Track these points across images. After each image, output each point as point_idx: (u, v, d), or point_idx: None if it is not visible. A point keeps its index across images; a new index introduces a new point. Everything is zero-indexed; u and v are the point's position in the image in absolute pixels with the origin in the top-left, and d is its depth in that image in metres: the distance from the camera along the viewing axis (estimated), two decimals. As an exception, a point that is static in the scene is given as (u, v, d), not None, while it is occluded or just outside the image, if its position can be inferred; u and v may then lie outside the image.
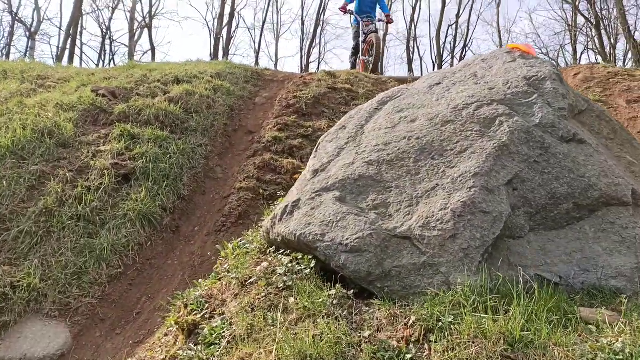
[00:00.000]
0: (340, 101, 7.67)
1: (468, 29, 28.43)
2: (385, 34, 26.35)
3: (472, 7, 28.46)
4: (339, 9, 9.70)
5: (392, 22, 10.89)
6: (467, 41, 28.79)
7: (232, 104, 7.54)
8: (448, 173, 2.94)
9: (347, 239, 2.76)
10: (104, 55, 28.93)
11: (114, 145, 5.64)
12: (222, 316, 2.84)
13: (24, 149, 5.34)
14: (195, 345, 2.69)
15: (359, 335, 2.39)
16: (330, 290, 2.70)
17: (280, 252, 3.19)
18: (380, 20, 10.15)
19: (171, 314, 3.29)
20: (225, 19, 27.96)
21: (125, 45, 27.92)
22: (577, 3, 23.34)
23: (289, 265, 2.94)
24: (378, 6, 9.98)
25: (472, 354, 2.15)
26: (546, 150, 3.02)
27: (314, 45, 29.67)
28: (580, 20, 24.12)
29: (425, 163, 3.05)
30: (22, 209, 4.58)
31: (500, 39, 28.95)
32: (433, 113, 3.33)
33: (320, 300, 2.62)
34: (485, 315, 2.30)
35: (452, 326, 2.30)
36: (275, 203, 5.19)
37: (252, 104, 7.92)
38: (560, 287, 2.72)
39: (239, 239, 3.99)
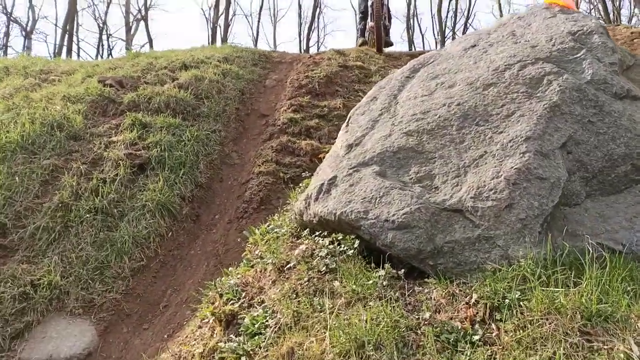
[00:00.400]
0: (353, 79, 7.42)
1: (470, 3, 27.82)
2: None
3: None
4: None
5: None
6: (469, 15, 28.20)
7: (242, 87, 7.30)
8: (496, 139, 2.72)
9: (393, 215, 2.55)
10: (102, 50, 28.60)
11: (126, 135, 5.44)
12: (262, 304, 2.65)
13: (34, 143, 5.15)
14: (236, 337, 2.50)
15: (417, 317, 2.19)
16: (378, 271, 2.50)
17: (317, 233, 2.99)
18: None
19: (204, 305, 3.12)
20: (221, 8, 27.57)
21: (122, 39, 27.56)
22: None
23: (330, 246, 2.74)
24: None
25: (546, 332, 1.95)
26: (600, 108, 2.78)
27: (312, 29, 29.24)
28: None
29: (470, 130, 2.83)
30: (37, 205, 4.40)
31: (501, 11, 28.31)
32: (472, 77, 3.10)
33: (370, 282, 2.42)
34: (557, 289, 2.09)
35: (520, 303, 2.10)
36: (298, 185, 5.01)
37: (262, 87, 7.67)
38: (625, 255, 2.50)
39: (267, 224, 3.80)
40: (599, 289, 2.07)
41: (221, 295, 2.89)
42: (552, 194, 2.50)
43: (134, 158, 5.09)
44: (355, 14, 26.86)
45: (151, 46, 28.14)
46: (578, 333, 1.92)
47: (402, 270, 2.46)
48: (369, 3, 8.29)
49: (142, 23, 27.79)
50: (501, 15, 28.22)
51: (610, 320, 1.96)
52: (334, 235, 2.82)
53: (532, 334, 1.95)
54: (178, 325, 3.51)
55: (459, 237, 2.46)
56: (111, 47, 29.96)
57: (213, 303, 2.91)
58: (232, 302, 2.79)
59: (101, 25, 28.55)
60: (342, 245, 2.71)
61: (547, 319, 1.99)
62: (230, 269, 3.43)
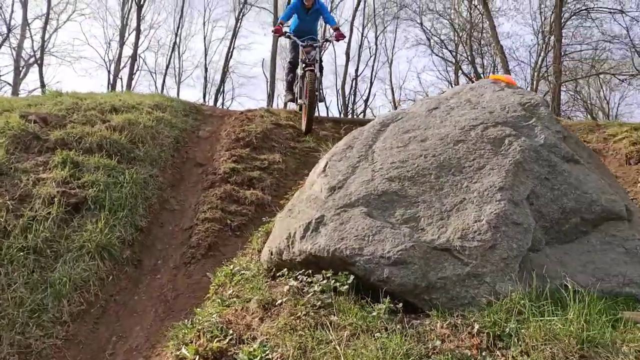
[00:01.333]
0: (287, 136, 7.63)
1: (371, 83, 30.07)
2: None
3: (373, 65, 30.17)
4: (273, 31, 8.04)
5: (344, 37, 7.59)
6: (369, 96, 30.30)
7: (177, 135, 7.17)
8: (472, 187, 3.01)
9: (388, 252, 2.67)
10: (-14, 92, 26.25)
11: (57, 172, 5.05)
12: (255, 340, 2.56)
13: (-52, 173, 4.59)
14: (231, 374, 2.39)
15: (426, 346, 2.28)
16: (375, 305, 2.57)
17: (301, 272, 2.99)
18: (327, 40, 8.01)
19: (172, 347, 2.92)
20: (124, 61, 27.05)
21: (8, 83, 25.49)
22: (459, 65, 25.76)
23: (323, 282, 2.76)
24: (321, 19, 8.05)
25: (549, 356, 2.14)
26: (553, 168, 3.22)
27: (220, 91, 29.45)
28: (462, 80, 26.65)
29: (447, 179, 3.10)
30: (-44, 240, 3.87)
31: (393, 94, 30.89)
32: (442, 133, 3.43)
33: (373, 314, 2.48)
34: (550, 319, 2.32)
35: (519, 331, 2.29)
36: (245, 234, 4.97)
37: (195, 137, 7.60)
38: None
39: (231, 266, 3.71)
40: (582, 319, 2.33)
41: (202, 334, 2.74)
42: (526, 237, 2.81)
43: (68, 197, 4.72)
44: (267, 82, 27.77)
45: (43, 92, 26.43)
46: (576, 356, 2.13)
47: (400, 305, 2.56)
48: (300, 53, 7.20)
49: (33, 68, 26.05)
50: (393, 98, 30.80)
51: (600, 346, 2.20)
52: (323, 272, 2.85)
53: (536, 359, 2.13)
54: (132, 374, 3.21)
55: (450, 274, 2.63)
56: (-2, 91, 27.56)
57: (192, 342, 2.74)
58: (218, 339, 2.65)
59: (-12, 65, 26.36)
60: (337, 282, 2.75)
61: (547, 345, 2.19)
62: (198, 309, 3.26)
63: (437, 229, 2.82)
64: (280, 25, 7.76)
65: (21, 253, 3.91)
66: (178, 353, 2.81)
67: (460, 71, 26.07)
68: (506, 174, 3.05)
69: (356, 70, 29.13)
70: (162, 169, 6.13)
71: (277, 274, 3.21)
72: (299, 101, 7.64)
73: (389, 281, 2.62)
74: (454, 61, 25.65)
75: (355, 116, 26.70)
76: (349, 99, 29.94)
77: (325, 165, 3.54)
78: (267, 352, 2.41)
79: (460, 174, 3.13)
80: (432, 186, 3.08)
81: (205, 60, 31.10)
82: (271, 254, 3.29)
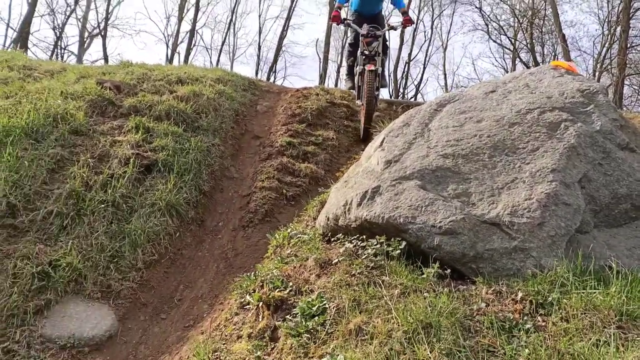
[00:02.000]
0: (341, 115, 7.83)
1: (424, 68, 29.67)
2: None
3: (427, 50, 29.72)
4: (331, 18, 6.69)
5: (412, 23, 6.56)
6: (421, 81, 29.94)
7: (236, 108, 7.52)
8: (525, 168, 3.14)
9: (440, 222, 2.87)
10: (56, 60, 27.71)
11: (131, 136, 5.49)
12: (312, 292, 2.84)
13: (38, 132, 5.09)
14: (293, 317, 2.67)
15: (470, 308, 2.48)
16: (424, 269, 2.78)
17: (356, 237, 3.24)
18: (392, 28, 6.58)
19: (236, 295, 3.25)
20: (181, 36, 27.78)
21: (73, 53, 26.81)
22: (517, 52, 25.00)
23: (377, 246, 3.00)
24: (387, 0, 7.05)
25: (587, 324, 2.30)
26: (607, 154, 3.29)
27: (273, 70, 29.80)
28: (520, 68, 25.88)
29: (500, 159, 3.24)
30: (46, 191, 4.35)
31: (446, 80, 30.34)
32: (498, 115, 3.55)
33: (423, 276, 2.70)
34: (594, 291, 2.47)
35: (560, 301, 2.45)
36: (297, 204, 5.26)
37: (254, 111, 7.93)
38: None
39: (288, 230, 4.00)
40: (624, 294, 2.46)
41: (264, 284, 3.05)
42: (574, 218, 2.93)
43: (141, 158, 5.14)
44: (319, 62, 27.88)
45: (106, 63, 27.65)
46: (614, 326, 2.28)
47: (448, 271, 2.76)
48: (360, 44, 6.28)
49: (97, 39, 27.27)
50: (446, 84, 30.28)
51: (638, 319, 2.34)
52: (377, 237, 3.08)
53: (575, 326, 2.29)
54: (197, 317, 3.58)
55: (497, 246, 2.80)
56: (64, 60, 29.04)
57: (255, 291, 3.05)
58: (279, 289, 2.95)
59: (58, 34, 27.77)
60: (388, 246, 2.98)
61: (586, 314, 2.35)
62: (259, 265, 3.58)
63: (488, 205, 2.98)
64: (338, 10, 6.67)
65: (102, 205, 4.34)
66: (242, 300, 3.14)
67: (518, 59, 25.35)
68: (560, 157, 3.16)
69: (409, 55, 28.82)
70: (223, 139, 6.48)
71: (332, 239, 3.47)
72: (357, 101, 6.90)
73: (439, 249, 2.82)
74: (512, 48, 24.96)
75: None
76: (400, 83, 29.72)
77: (383, 141, 3.74)
78: (324, 302, 2.68)
79: (513, 154, 3.26)
80: (485, 165, 3.23)
81: (260, 38, 31.59)
82: (327, 219, 3.55)
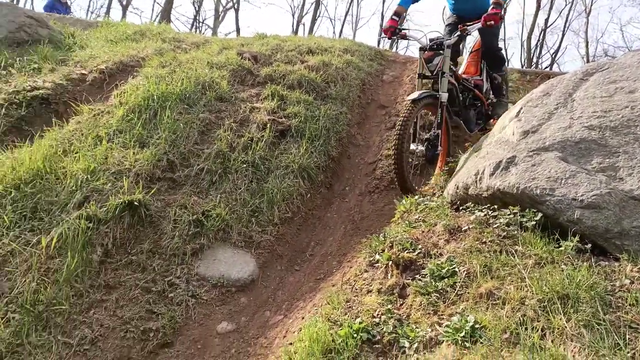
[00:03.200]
0: (471, 86, 7.61)
1: (563, 35, 27.21)
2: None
3: (567, 15, 27.17)
4: (383, 29, 4.82)
5: (496, 19, 4.43)
6: (559, 49, 27.56)
7: (363, 78, 7.65)
8: (685, 143, 2.88)
9: (582, 195, 2.77)
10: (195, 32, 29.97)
11: (267, 103, 5.89)
12: (441, 256, 2.93)
13: (190, 98, 5.68)
14: (422, 277, 2.80)
15: (612, 284, 2.40)
16: (562, 242, 2.73)
17: (485, 206, 3.24)
18: (461, 37, 4.69)
19: (365, 254, 3.44)
20: (306, 7, 28.33)
21: (209, 26, 28.78)
22: None
23: (510, 216, 2.99)
24: None
25: None
26: None
27: (397, 41, 29.34)
28: None
29: (656, 132, 3.00)
30: (198, 150, 4.88)
31: (587, 49, 27.57)
32: (655, 85, 3.27)
33: (560, 249, 2.65)
34: None
35: None
36: (422, 174, 5.29)
37: (379, 81, 8.01)
38: None
39: (415, 197, 4.09)
40: None
41: (394, 245, 3.20)
42: None
43: (277, 124, 5.52)
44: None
45: (238, 34, 29.33)
46: None
47: (588, 245, 2.68)
48: (419, 63, 4.61)
49: (230, 13, 28.91)
50: (587, 53, 27.43)
51: None
52: (510, 207, 3.06)
53: None
54: (327, 271, 3.85)
55: (646, 224, 2.64)
56: (201, 32, 31.31)
57: (384, 251, 3.22)
58: (407, 251, 3.09)
59: (197, 8, 29.94)
60: (522, 217, 2.95)
61: None
62: (387, 228, 3.74)
63: (637, 181, 2.80)
64: (395, 19, 4.71)
65: (243, 165, 4.79)
66: (371, 259, 3.33)
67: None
68: None
69: (546, 21, 26.61)
70: (350, 108, 6.68)
71: (461, 207, 3.49)
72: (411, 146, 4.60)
73: (579, 222, 2.73)
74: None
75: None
76: (534, 52, 27.66)
77: (519, 111, 3.64)
78: (453, 266, 2.76)
79: (671, 128, 3.00)
80: (637, 138, 3.01)
81: (383, 7, 31.13)
82: (457, 188, 3.58)
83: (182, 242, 3.84)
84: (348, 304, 2.90)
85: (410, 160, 4.67)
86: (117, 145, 4.62)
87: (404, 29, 4.79)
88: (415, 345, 2.35)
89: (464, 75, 5.28)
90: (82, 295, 3.36)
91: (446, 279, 2.69)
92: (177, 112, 5.35)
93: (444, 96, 4.50)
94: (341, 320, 2.67)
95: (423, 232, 3.34)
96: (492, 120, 5.60)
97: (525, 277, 2.49)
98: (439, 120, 4.57)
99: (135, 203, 3.88)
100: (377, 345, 2.45)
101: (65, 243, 3.48)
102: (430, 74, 4.54)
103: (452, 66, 4.68)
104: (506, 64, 5.40)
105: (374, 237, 3.52)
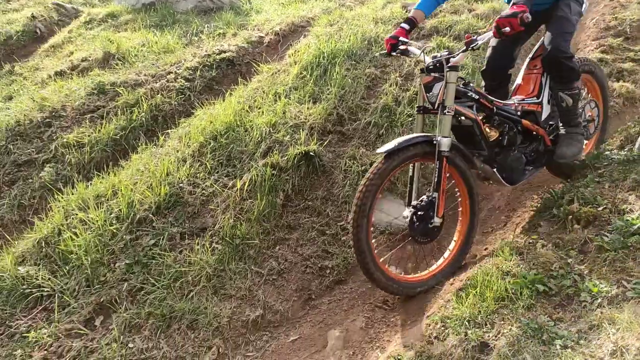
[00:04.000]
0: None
1: None
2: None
3: None
4: (385, 40, 3.65)
5: (511, 26, 2.66)
6: None
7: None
8: None
9: None
10: None
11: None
12: (631, 212, 2.72)
13: (356, 54, 5.84)
14: (608, 233, 2.64)
15: None
16: None
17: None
18: (470, 48, 2.98)
19: (540, 208, 3.30)
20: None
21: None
22: None
23: None
24: None
25: None
26: None
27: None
28: None
29: None
30: (364, 104, 5.06)
31: None
32: None
33: None
34: None
35: None
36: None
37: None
38: None
39: (600, 149, 3.76)
40: None
41: (574, 200, 3.03)
42: None
43: (442, 77, 5.43)
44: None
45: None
46: None
47: None
48: (419, 90, 3.28)
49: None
50: None
51: None
52: None
53: None
54: (495, 225, 3.80)
55: None
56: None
57: (562, 206, 3.07)
58: (590, 205, 2.91)
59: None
60: None
61: None
62: (561, 184, 3.53)
63: None
64: (405, 27, 3.63)
65: (409, 119, 4.84)
66: (547, 213, 3.20)
67: None
68: None
69: None
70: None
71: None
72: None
73: None
74: None
75: None
76: None
77: None
78: (649, 221, 2.54)
79: None
80: None
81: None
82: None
83: (352, 191, 4.09)
84: (521, 256, 2.86)
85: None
86: (293, 100, 5.02)
87: (406, 42, 3.49)
88: (599, 300, 2.26)
89: (510, 99, 3.54)
90: (269, 233, 3.82)
91: (636, 236, 2.50)
92: (345, 68, 5.57)
93: (444, 143, 2.99)
94: (514, 271, 2.65)
95: (609, 186, 3.09)
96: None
97: None
98: (436, 179, 3.07)
99: (311, 153, 4.22)
100: (554, 298, 2.40)
101: (254, 187, 3.96)
102: (432, 107, 3.11)
103: (475, 89, 3.25)
104: (580, 78, 3.47)
105: (550, 191, 3.36)
